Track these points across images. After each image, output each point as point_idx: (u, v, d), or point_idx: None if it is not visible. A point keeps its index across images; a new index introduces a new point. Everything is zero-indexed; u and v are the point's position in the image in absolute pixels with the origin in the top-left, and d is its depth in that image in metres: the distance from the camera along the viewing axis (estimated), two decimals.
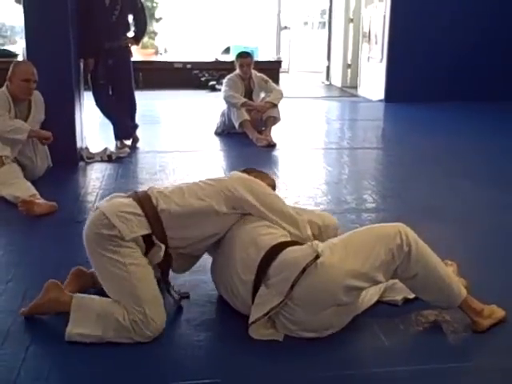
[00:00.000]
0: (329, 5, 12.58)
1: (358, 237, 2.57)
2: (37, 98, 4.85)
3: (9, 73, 4.67)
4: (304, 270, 2.36)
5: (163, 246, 2.55)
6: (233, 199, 2.64)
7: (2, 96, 4.64)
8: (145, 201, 2.57)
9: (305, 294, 2.38)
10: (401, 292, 2.74)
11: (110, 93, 6.11)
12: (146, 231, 2.53)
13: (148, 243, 2.55)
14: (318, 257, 2.37)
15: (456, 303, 2.56)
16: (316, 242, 2.51)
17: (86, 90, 6.01)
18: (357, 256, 2.43)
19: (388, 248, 2.44)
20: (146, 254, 2.56)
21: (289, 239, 2.60)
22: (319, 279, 2.37)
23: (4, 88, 4.69)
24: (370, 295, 2.72)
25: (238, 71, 6.91)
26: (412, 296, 2.71)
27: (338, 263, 2.39)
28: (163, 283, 2.67)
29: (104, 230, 2.48)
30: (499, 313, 2.62)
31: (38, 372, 2.25)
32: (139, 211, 2.53)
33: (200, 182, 2.72)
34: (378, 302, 2.74)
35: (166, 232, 2.56)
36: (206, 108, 8.89)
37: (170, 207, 2.56)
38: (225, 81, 6.97)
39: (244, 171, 2.95)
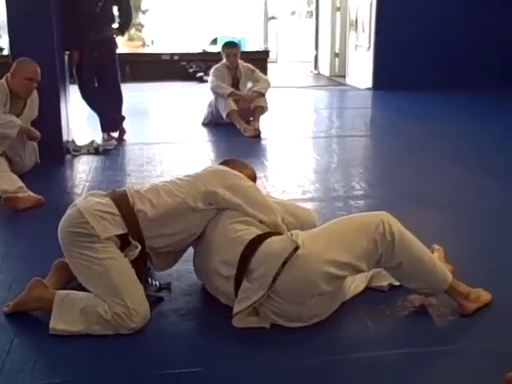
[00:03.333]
0: None
1: (341, 226, 2.56)
2: (33, 95, 4.79)
3: (12, 68, 4.60)
4: (285, 262, 2.35)
5: (139, 245, 2.54)
6: (208, 195, 2.61)
7: (1, 88, 4.57)
8: (122, 200, 2.55)
9: (287, 286, 2.38)
10: (387, 278, 2.74)
11: (96, 85, 6.07)
12: (122, 231, 2.51)
13: (124, 242, 2.54)
14: (297, 248, 2.36)
15: (441, 289, 2.57)
16: (296, 231, 2.50)
17: (71, 82, 5.97)
18: (339, 246, 2.42)
19: (371, 237, 2.43)
20: (121, 250, 2.54)
21: (266, 231, 2.56)
22: (300, 270, 2.36)
23: (3, 81, 4.61)
24: (357, 283, 2.72)
25: (224, 61, 6.88)
26: (398, 282, 2.70)
27: (320, 253, 2.38)
28: (142, 281, 2.61)
29: (79, 229, 2.48)
30: (485, 296, 2.63)
31: (22, 364, 2.25)
32: (115, 211, 2.52)
33: (176, 179, 2.70)
34: (364, 288, 2.74)
35: (143, 232, 2.54)
36: (194, 99, 8.84)
37: (146, 208, 2.54)
38: (211, 71, 6.92)
39: (223, 162, 2.94)
